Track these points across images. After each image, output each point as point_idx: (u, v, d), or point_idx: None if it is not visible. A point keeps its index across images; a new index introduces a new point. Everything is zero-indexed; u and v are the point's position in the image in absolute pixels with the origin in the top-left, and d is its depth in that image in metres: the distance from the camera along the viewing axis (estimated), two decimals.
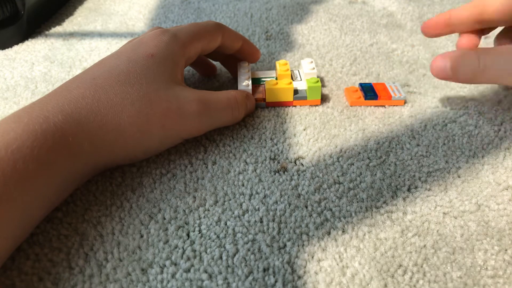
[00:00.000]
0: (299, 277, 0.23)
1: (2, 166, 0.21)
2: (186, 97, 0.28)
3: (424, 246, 0.24)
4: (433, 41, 0.45)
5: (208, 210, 0.27)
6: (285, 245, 0.24)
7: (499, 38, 0.34)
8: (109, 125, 0.25)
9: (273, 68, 0.41)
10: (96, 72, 0.27)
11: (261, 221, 0.26)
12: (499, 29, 0.34)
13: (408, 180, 0.28)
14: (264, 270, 0.23)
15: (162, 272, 0.23)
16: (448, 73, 0.29)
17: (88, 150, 0.25)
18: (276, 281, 0.23)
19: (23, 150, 0.22)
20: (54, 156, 0.23)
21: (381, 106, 0.35)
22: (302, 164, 0.30)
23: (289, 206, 0.27)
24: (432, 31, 0.34)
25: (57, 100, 0.25)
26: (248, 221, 0.26)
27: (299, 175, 0.29)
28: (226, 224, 0.26)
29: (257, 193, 0.28)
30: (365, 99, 0.35)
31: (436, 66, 0.29)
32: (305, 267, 0.23)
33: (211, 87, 0.39)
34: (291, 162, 0.30)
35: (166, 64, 0.29)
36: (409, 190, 0.28)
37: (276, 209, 0.26)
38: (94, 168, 0.27)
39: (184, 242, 0.25)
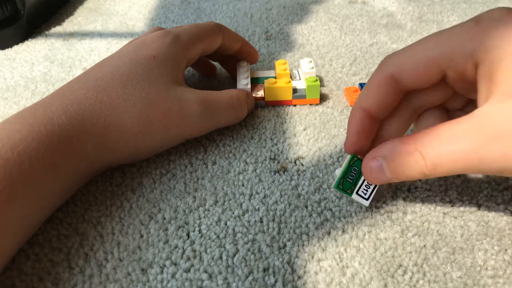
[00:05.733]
0: (299, 277, 0.23)
1: (8, 167, 0.21)
2: (187, 98, 0.28)
3: (424, 246, 0.24)
4: None
5: (208, 210, 0.27)
6: (285, 245, 0.24)
7: (419, 122, 0.26)
8: (111, 126, 0.26)
9: (273, 68, 0.41)
10: (98, 73, 0.27)
11: (261, 221, 0.26)
12: None
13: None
14: (264, 270, 0.23)
15: (162, 272, 0.23)
16: (388, 177, 0.22)
17: (91, 151, 0.25)
18: (276, 281, 0.23)
19: (28, 151, 0.22)
20: (59, 157, 0.23)
21: None
22: (302, 164, 0.30)
23: (289, 206, 0.27)
24: (360, 145, 0.25)
25: (61, 101, 0.25)
26: (248, 221, 0.26)
27: (299, 175, 0.29)
28: (226, 224, 0.26)
29: (257, 193, 0.28)
30: None
31: (372, 171, 0.23)
32: (305, 267, 0.23)
33: (211, 87, 0.39)
34: (291, 162, 0.30)
35: (167, 66, 0.29)
36: (409, 190, 0.28)
37: (276, 209, 0.26)
38: (97, 169, 0.27)
39: (184, 242, 0.25)
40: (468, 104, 0.25)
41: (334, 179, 0.28)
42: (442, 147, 0.20)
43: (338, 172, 0.27)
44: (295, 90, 0.35)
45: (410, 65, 0.22)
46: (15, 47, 0.45)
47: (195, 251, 0.24)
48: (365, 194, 0.25)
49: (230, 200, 0.27)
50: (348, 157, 0.25)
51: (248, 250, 0.24)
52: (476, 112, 0.20)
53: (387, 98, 0.23)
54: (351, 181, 0.25)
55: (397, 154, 0.21)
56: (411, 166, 0.21)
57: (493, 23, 0.20)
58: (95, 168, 0.27)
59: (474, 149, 0.19)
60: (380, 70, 0.23)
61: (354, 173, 0.25)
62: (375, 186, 0.25)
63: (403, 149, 0.21)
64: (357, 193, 0.25)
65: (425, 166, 0.20)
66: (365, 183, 0.25)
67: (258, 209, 0.26)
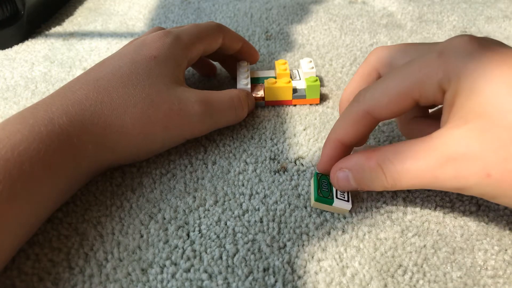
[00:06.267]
0: (299, 277, 0.23)
1: (9, 168, 0.21)
2: (188, 98, 0.28)
3: (424, 246, 0.24)
4: (433, 41, 0.45)
5: (208, 210, 0.27)
6: (285, 245, 0.24)
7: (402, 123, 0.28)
8: (112, 127, 0.26)
9: (273, 68, 0.41)
10: (99, 73, 0.27)
11: (261, 221, 0.26)
12: None
13: None
14: (264, 270, 0.23)
15: (162, 272, 0.23)
16: (354, 187, 0.24)
17: (92, 151, 0.25)
18: (276, 281, 0.23)
19: (29, 152, 0.22)
20: (59, 157, 0.23)
21: None
22: (302, 164, 0.30)
23: (289, 206, 0.27)
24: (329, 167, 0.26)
25: (61, 101, 0.25)
26: (248, 221, 0.26)
27: (299, 175, 0.29)
28: (226, 224, 0.26)
29: (257, 193, 0.28)
30: None
31: (339, 180, 0.24)
32: (305, 267, 0.23)
33: (211, 87, 0.39)
34: (291, 162, 0.30)
35: (168, 66, 0.29)
36: (409, 190, 0.28)
37: (276, 209, 0.26)
38: (97, 169, 0.27)
39: (184, 242, 0.25)
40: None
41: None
42: (400, 165, 0.21)
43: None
44: (295, 90, 0.35)
45: (383, 101, 0.24)
46: (15, 47, 0.45)
47: (195, 251, 0.24)
48: (345, 197, 0.26)
49: (230, 200, 0.27)
50: (314, 174, 0.27)
51: (248, 250, 0.24)
52: (434, 134, 0.21)
53: (362, 130, 0.25)
54: (326, 190, 0.26)
55: (361, 168, 0.23)
56: (373, 180, 0.23)
57: (453, 54, 0.21)
58: (95, 168, 0.27)
59: (429, 169, 0.20)
60: (355, 106, 0.25)
61: (325, 183, 0.26)
62: None
63: (367, 164, 0.23)
64: (337, 197, 0.26)
65: (385, 181, 0.22)
66: None
67: (258, 209, 0.26)
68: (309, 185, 0.28)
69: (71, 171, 0.24)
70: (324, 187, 0.26)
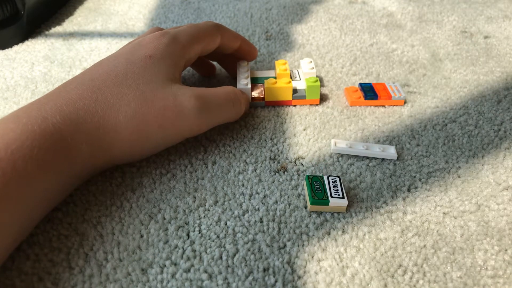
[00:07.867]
0: (299, 277, 0.23)
1: (2, 166, 0.21)
2: (183, 93, 0.28)
3: (424, 246, 0.24)
4: (433, 41, 0.45)
5: (208, 210, 0.27)
6: (285, 245, 0.24)
7: None
8: (106, 126, 0.25)
9: (273, 68, 0.41)
10: (94, 73, 0.27)
11: (261, 221, 0.26)
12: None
13: (408, 180, 0.28)
14: (264, 270, 0.23)
15: (162, 272, 0.23)
16: None
17: (86, 151, 0.25)
18: (276, 281, 0.23)
19: (22, 150, 0.22)
20: (53, 156, 0.23)
21: (381, 106, 0.35)
22: (302, 164, 0.30)
23: (289, 206, 0.27)
24: None
25: (55, 100, 0.25)
26: (248, 221, 0.26)
27: (299, 175, 0.29)
28: (226, 224, 0.26)
29: (257, 193, 0.28)
30: (365, 99, 0.35)
31: None
32: (305, 267, 0.23)
33: (210, 86, 0.39)
34: (291, 162, 0.30)
35: (163, 64, 0.29)
36: (409, 190, 0.28)
37: (276, 209, 0.26)
38: (92, 169, 0.27)
39: (184, 242, 0.25)
40: None
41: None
42: None
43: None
44: (295, 91, 0.35)
45: None
46: (15, 47, 0.45)
47: (195, 251, 0.24)
48: (339, 195, 0.26)
49: (230, 200, 0.27)
50: (305, 178, 0.27)
51: (248, 250, 0.24)
52: None
53: None
54: (320, 190, 0.26)
55: None
56: None
57: None
58: (90, 168, 0.26)
59: None
60: None
61: (317, 184, 0.27)
62: (341, 183, 0.27)
63: None
64: (332, 196, 0.26)
65: None
66: (332, 186, 0.26)
67: (258, 209, 0.26)
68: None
69: (65, 170, 0.24)
70: (317, 188, 0.26)
